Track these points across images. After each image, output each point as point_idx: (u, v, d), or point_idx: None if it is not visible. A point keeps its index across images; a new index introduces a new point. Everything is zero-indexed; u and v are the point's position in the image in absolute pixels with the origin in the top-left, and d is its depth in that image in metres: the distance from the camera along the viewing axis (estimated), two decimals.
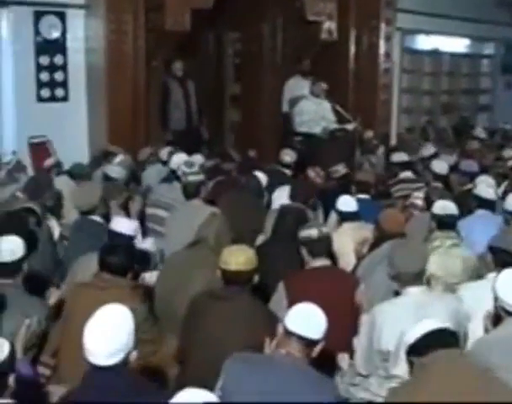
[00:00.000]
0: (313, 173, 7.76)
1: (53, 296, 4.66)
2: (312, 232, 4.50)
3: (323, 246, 4.54)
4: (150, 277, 5.06)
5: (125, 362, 2.98)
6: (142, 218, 6.47)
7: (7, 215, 5.48)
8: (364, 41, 10.69)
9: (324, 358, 3.42)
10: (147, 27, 8.75)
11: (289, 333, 3.23)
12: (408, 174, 7.53)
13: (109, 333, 2.94)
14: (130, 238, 5.05)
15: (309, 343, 3.23)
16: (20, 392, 3.03)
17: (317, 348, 3.27)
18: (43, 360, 4.22)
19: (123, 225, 5.11)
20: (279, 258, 4.84)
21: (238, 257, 4.02)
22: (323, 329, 3.25)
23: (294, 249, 4.67)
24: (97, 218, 5.62)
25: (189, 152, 7.49)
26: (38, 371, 4.06)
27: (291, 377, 3.15)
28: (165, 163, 7.52)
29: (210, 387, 2.95)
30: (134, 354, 3.04)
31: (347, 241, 5.46)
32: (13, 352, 3.00)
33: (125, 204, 6.47)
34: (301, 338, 3.22)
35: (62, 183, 6.82)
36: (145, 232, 6.22)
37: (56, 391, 3.81)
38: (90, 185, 6.32)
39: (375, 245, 5.14)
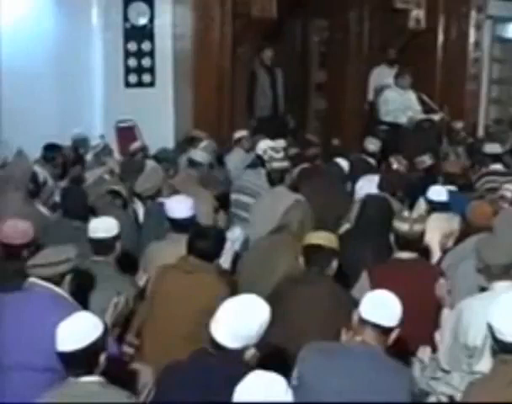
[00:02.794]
0: (396, 163, 7.66)
1: (142, 278, 4.75)
2: (403, 226, 4.42)
3: (412, 242, 4.47)
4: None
5: (242, 351, 3.03)
6: (225, 202, 6.51)
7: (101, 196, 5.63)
8: (453, 30, 10.49)
9: (400, 347, 3.39)
10: (234, 13, 8.78)
11: (364, 321, 3.22)
12: (497, 166, 7.36)
13: (245, 318, 3.01)
14: (191, 219, 5.00)
15: (384, 331, 3.21)
16: (108, 370, 3.11)
17: (393, 336, 3.25)
18: (128, 339, 4.30)
19: (178, 209, 5.03)
20: (360, 248, 4.79)
21: (319, 234, 4.15)
22: (398, 316, 3.22)
23: (376, 240, 4.62)
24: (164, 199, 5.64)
25: (274, 139, 7.49)
26: (122, 350, 4.14)
27: (367, 366, 3.14)
28: (249, 150, 7.55)
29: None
30: (252, 351, 3.07)
31: (434, 232, 5.37)
32: (106, 330, 3.08)
33: None
34: (375, 326, 3.20)
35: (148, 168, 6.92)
36: (229, 218, 6.27)
37: (141, 370, 3.88)
38: (151, 169, 6.40)
39: (461, 238, 5.04)
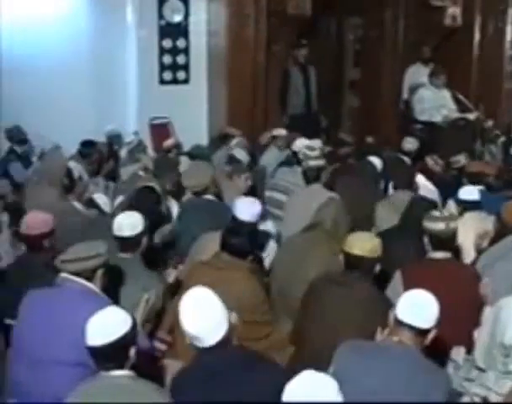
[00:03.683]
0: (431, 162, 7.60)
1: (172, 275, 4.76)
2: (438, 225, 4.34)
3: (447, 241, 4.39)
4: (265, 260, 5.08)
5: (228, 336, 3.06)
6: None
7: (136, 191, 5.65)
8: (489, 27, 10.34)
9: (436, 348, 3.36)
10: (269, 10, 8.77)
11: (400, 322, 3.19)
12: None
13: (204, 315, 3.04)
14: (253, 225, 4.93)
15: (420, 332, 3.18)
16: (139, 365, 3.12)
17: (430, 336, 3.21)
18: (159, 336, 4.31)
19: (246, 211, 5.02)
20: (404, 249, 4.71)
21: (364, 243, 4.01)
22: (435, 317, 3.19)
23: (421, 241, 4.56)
24: (210, 197, 5.67)
25: (307, 138, 7.48)
26: (154, 346, 4.16)
27: (403, 366, 3.12)
28: (283, 148, 7.54)
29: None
30: (233, 316, 3.13)
31: (468, 232, 5.30)
32: (135, 325, 3.09)
33: None
34: (411, 327, 3.17)
35: (182, 165, 6.94)
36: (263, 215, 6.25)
37: (172, 365, 3.90)
38: (202, 165, 6.35)
39: (496, 239, 4.96)
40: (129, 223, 4.46)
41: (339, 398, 2.61)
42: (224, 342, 3.06)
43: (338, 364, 3.22)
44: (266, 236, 5.26)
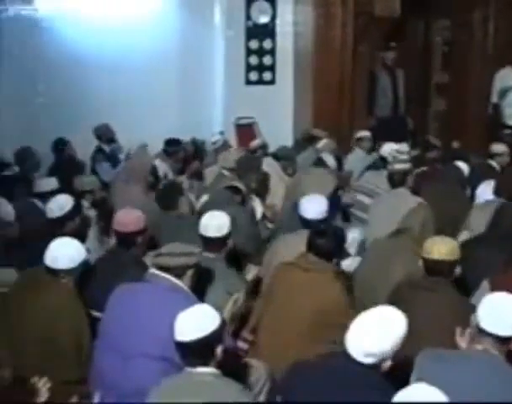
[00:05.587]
0: None
1: (251, 273, 4.77)
2: None
3: None
4: (349, 265, 5.04)
5: (376, 366, 2.99)
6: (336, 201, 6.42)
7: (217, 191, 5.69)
8: None
9: None
10: (356, 12, 8.71)
11: (482, 330, 3.11)
12: None
13: (376, 336, 2.96)
14: (320, 222, 4.93)
15: (503, 339, 3.10)
16: (223, 363, 3.14)
17: None
18: (243, 335, 4.33)
19: (311, 210, 5.01)
20: (491, 257, 4.53)
21: (441, 247, 3.97)
22: None
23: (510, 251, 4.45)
24: None
25: (393, 140, 7.39)
26: (237, 345, 4.18)
27: (486, 374, 3.04)
28: (369, 151, 7.48)
29: None
30: (387, 364, 3.03)
31: None
32: (224, 324, 3.11)
33: None
34: (494, 336, 3.09)
35: (269, 165, 6.96)
36: (347, 218, 6.23)
37: (256, 365, 3.91)
38: (322, 174, 6.32)
39: None
40: (215, 224, 4.50)
41: None
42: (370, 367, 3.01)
43: (420, 372, 3.14)
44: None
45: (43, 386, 3.09)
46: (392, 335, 2.99)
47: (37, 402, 3.05)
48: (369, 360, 2.97)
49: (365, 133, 7.92)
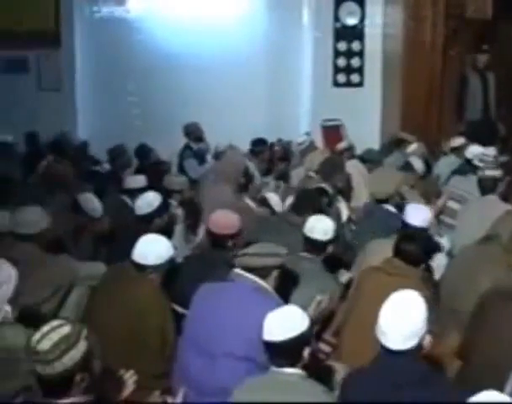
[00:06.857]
0: None
1: (344, 277, 4.76)
2: None
3: None
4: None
5: (418, 347, 2.96)
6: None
7: (303, 192, 5.68)
8: None
9: None
10: (447, 13, 8.57)
11: None
12: None
13: (405, 318, 2.93)
14: (427, 233, 4.88)
15: None
16: (309, 365, 3.14)
17: None
18: (325, 338, 4.32)
19: (416, 216, 4.95)
20: None
21: None
22: None
23: None
24: (390, 207, 5.60)
25: (482, 145, 7.23)
26: (319, 347, 4.17)
27: None
28: (457, 154, 7.33)
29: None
30: (427, 339, 3.01)
31: None
32: (312, 326, 3.11)
33: None
34: None
35: (353, 167, 6.93)
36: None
37: (338, 368, 3.89)
38: (388, 173, 6.26)
39: None
40: (321, 227, 4.53)
41: None
42: (413, 351, 2.99)
43: None
44: (436, 246, 5.16)
45: (129, 378, 3.14)
46: (417, 310, 2.97)
47: (123, 394, 3.10)
48: (409, 344, 2.93)
49: (460, 141, 7.71)
